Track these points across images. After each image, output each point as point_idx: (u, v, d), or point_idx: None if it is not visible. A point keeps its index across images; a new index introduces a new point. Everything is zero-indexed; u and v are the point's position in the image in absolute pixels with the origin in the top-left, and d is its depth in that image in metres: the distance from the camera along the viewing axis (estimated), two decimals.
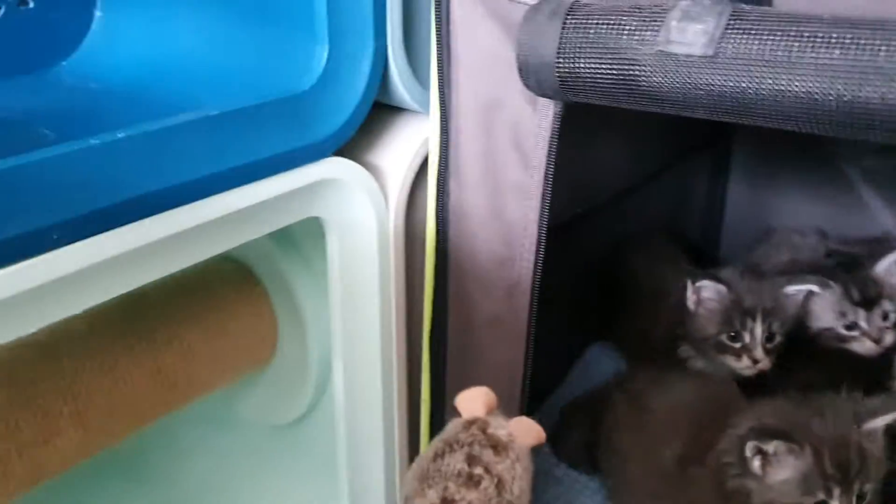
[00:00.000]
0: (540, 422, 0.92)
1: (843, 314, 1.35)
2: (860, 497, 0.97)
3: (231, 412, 1.49)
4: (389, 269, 1.16)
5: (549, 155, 1.00)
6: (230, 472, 1.46)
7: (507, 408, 1.12)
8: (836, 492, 0.96)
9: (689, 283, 1.32)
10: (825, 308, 1.36)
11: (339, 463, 1.22)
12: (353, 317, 1.17)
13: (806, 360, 1.31)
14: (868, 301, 1.33)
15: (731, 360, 1.29)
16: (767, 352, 1.28)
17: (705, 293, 1.32)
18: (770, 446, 0.97)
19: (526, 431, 0.89)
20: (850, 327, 1.34)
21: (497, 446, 0.85)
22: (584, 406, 1.37)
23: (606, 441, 1.28)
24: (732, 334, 1.29)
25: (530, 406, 1.44)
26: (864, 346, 1.34)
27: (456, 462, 0.83)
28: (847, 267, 1.41)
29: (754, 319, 1.29)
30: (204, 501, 1.43)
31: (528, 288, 1.06)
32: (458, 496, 0.80)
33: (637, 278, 1.54)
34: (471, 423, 0.88)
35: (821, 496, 0.96)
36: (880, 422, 0.99)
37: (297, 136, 0.99)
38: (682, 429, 1.13)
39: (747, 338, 1.29)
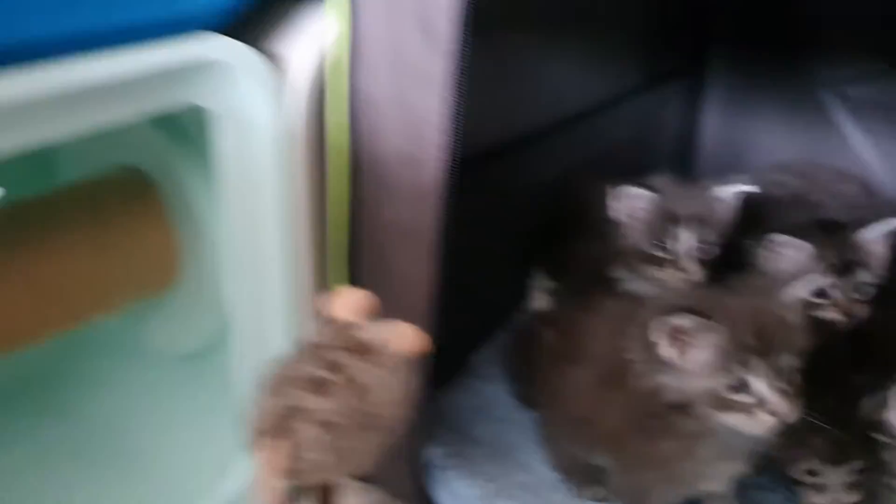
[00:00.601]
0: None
1: (812, 278, 1.17)
2: (782, 372, 0.87)
3: (140, 341, 1.38)
4: (294, 173, 1.03)
5: (460, 38, 0.88)
6: (140, 405, 1.34)
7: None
8: (756, 365, 0.86)
9: (616, 191, 1.21)
10: (793, 268, 1.18)
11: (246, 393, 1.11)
12: (252, 228, 1.04)
13: None
14: (844, 267, 1.16)
15: (660, 273, 1.17)
16: (699, 262, 1.16)
17: (633, 201, 1.20)
18: (679, 321, 0.87)
19: (403, 338, 0.77)
20: (819, 294, 1.16)
21: (363, 351, 0.73)
22: (512, 343, 1.28)
23: (535, 375, 1.21)
24: (661, 244, 1.18)
25: (482, 338, 1.33)
26: (831, 316, 1.16)
27: (310, 367, 0.71)
28: (827, 228, 1.25)
29: (683, 226, 1.17)
30: (111, 435, 1.32)
31: (438, 194, 0.94)
32: (306, 404, 0.69)
33: (581, 207, 1.41)
34: (338, 326, 0.76)
35: (740, 372, 0.86)
36: (800, 291, 0.91)
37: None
38: (604, 351, 1.04)
39: (675, 246, 1.17)
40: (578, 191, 1.44)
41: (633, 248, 1.21)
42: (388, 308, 0.88)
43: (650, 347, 0.91)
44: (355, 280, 1.06)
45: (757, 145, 1.60)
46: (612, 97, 1.53)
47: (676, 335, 0.89)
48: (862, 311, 1.15)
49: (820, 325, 1.18)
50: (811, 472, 1.04)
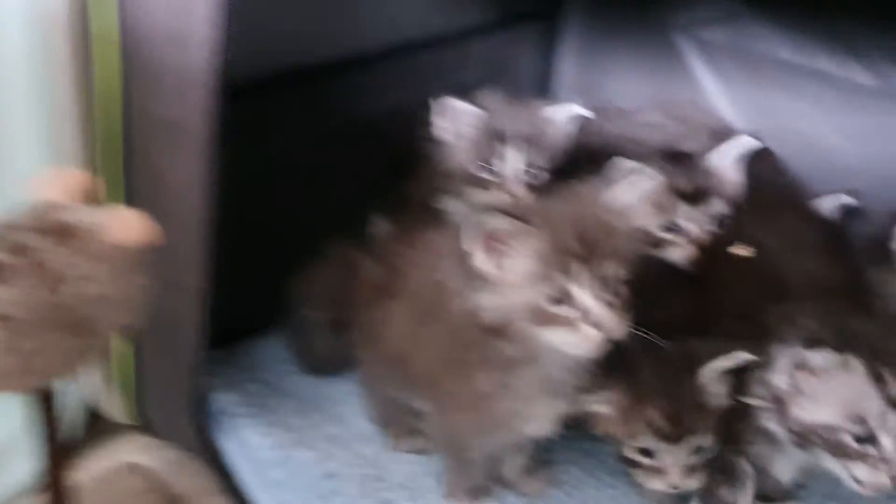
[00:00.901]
0: None
1: (661, 208, 1.05)
2: (607, 282, 0.78)
3: None
4: (52, 62, 0.87)
5: None
6: None
7: (188, 243, 0.87)
8: (579, 272, 0.76)
9: (440, 106, 1.09)
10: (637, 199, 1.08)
11: None
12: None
13: None
14: (696, 195, 1.06)
15: (486, 197, 1.06)
16: (526, 186, 1.06)
17: (457, 117, 1.09)
18: (493, 223, 0.76)
19: (124, 225, 0.62)
20: (669, 228, 1.06)
21: (64, 235, 0.58)
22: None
23: (355, 316, 1.07)
24: (487, 165, 1.07)
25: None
26: (682, 255, 1.06)
27: None
28: (676, 158, 1.11)
29: (510, 145, 1.07)
30: None
31: (206, 80, 0.80)
32: None
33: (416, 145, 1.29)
34: (40, 207, 0.61)
35: (562, 281, 0.76)
36: (628, 195, 0.81)
37: None
38: (421, 283, 0.92)
39: (502, 168, 1.06)
40: (414, 128, 1.32)
41: (458, 170, 1.09)
42: (158, 218, 0.74)
43: (465, 261, 0.78)
44: (129, 185, 0.91)
45: (612, 90, 1.52)
46: (456, 32, 1.41)
47: (491, 242, 0.77)
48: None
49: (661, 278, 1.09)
50: (645, 452, 0.90)
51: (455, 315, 0.83)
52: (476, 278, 0.79)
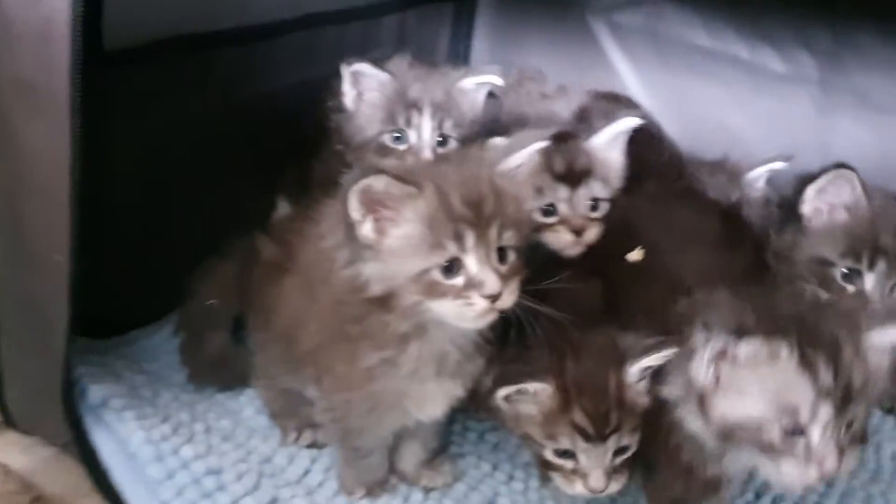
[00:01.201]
0: None
1: (538, 191, 0.98)
2: (501, 251, 0.75)
3: None
4: None
5: None
6: None
7: (48, 215, 0.79)
8: (469, 237, 0.72)
9: (344, 70, 1.04)
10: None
11: None
12: None
13: None
14: (574, 177, 1.00)
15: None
16: (438, 155, 1.02)
17: (364, 83, 1.05)
18: (380, 185, 0.71)
19: None
20: (547, 212, 0.99)
21: None
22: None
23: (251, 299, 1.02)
24: (396, 134, 1.04)
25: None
26: (560, 241, 0.99)
27: None
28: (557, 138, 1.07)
29: (422, 114, 1.03)
30: None
31: (65, 32, 0.72)
32: None
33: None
34: None
35: (451, 248, 0.72)
36: (516, 160, 0.78)
37: None
38: (310, 256, 0.87)
39: (413, 137, 1.03)
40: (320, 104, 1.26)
41: (365, 138, 1.05)
42: (11, 188, 0.66)
43: (350, 229, 0.73)
44: None
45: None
46: (365, 7, 1.36)
47: (377, 208, 0.72)
48: (594, 233, 0.99)
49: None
50: (565, 454, 0.84)
51: (339, 287, 0.78)
52: (362, 247, 0.74)
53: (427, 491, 0.97)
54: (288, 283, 0.91)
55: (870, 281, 0.94)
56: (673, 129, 1.31)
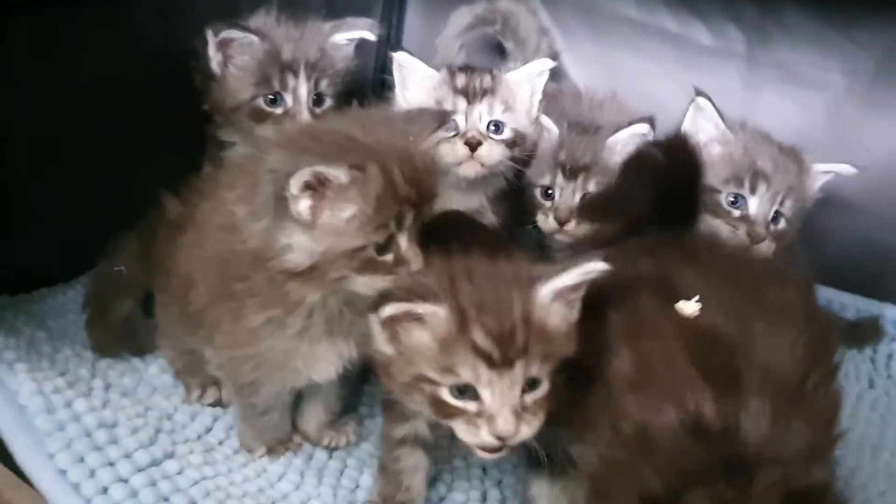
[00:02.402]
0: None
1: (541, 173, 1.06)
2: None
3: None
4: None
5: None
6: None
7: None
8: (408, 217, 0.73)
9: (208, 35, 1.03)
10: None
11: None
12: None
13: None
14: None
15: (270, 130, 1.01)
16: (313, 114, 1.03)
17: (234, 48, 1.03)
18: (320, 171, 0.69)
19: None
20: (546, 194, 1.07)
21: None
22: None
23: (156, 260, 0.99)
24: (272, 97, 1.03)
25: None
26: (547, 224, 1.06)
27: None
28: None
29: (297, 75, 1.03)
30: None
31: None
32: None
33: None
34: None
35: (391, 227, 0.73)
36: (436, 136, 0.79)
37: None
38: (209, 215, 0.86)
39: (289, 100, 1.03)
40: None
41: (237, 101, 1.04)
42: None
43: (280, 202, 0.72)
44: None
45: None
46: None
47: (319, 188, 0.71)
48: (583, 230, 1.03)
49: None
50: (464, 391, 0.71)
51: (232, 248, 0.77)
52: (289, 221, 0.72)
53: (331, 451, 0.97)
54: (185, 238, 0.90)
55: (753, 204, 1.01)
56: None
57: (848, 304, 1.26)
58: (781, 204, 1.01)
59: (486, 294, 0.71)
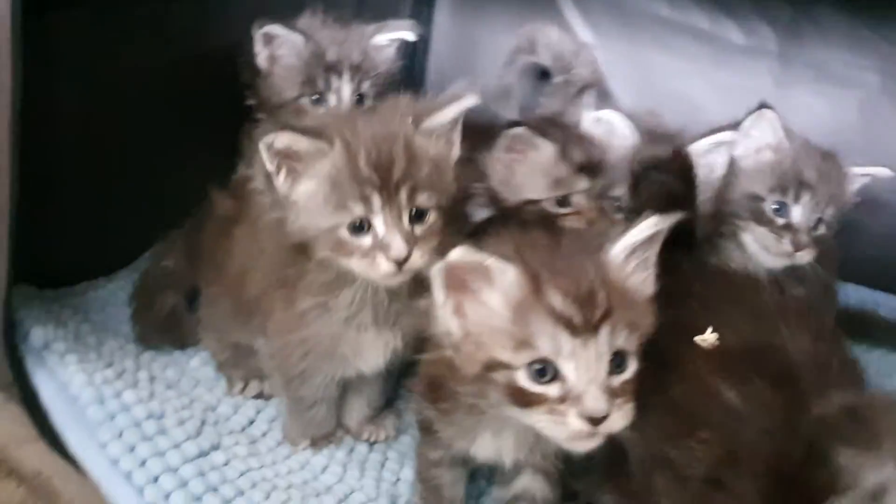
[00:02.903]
0: None
1: (557, 182, 0.98)
2: (417, 215, 0.75)
3: None
4: None
5: None
6: None
7: None
8: (376, 199, 0.73)
9: (255, 32, 1.05)
10: (533, 172, 0.99)
11: None
12: None
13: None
14: (593, 168, 0.99)
15: None
16: None
17: (279, 46, 1.05)
18: (287, 140, 0.72)
19: None
20: (562, 202, 0.99)
21: None
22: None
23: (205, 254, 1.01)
24: (316, 96, 1.05)
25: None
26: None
27: None
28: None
29: (341, 76, 1.05)
30: None
31: None
32: None
33: None
34: None
35: (358, 209, 0.73)
36: (438, 119, 0.77)
37: None
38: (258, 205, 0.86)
39: (333, 99, 1.05)
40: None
41: (282, 99, 1.06)
42: None
43: (268, 179, 0.75)
44: None
45: (487, 40, 1.47)
46: None
47: (286, 159, 0.74)
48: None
49: None
50: (542, 374, 0.62)
51: (277, 232, 0.79)
52: (280, 196, 0.76)
53: (372, 444, 0.98)
54: (238, 233, 0.92)
55: (797, 213, 1.01)
56: (635, 100, 1.31)
57: (882, 303, 1.26)
58: (823, 211, 1.02)
59: (558, 258, 0.65)
